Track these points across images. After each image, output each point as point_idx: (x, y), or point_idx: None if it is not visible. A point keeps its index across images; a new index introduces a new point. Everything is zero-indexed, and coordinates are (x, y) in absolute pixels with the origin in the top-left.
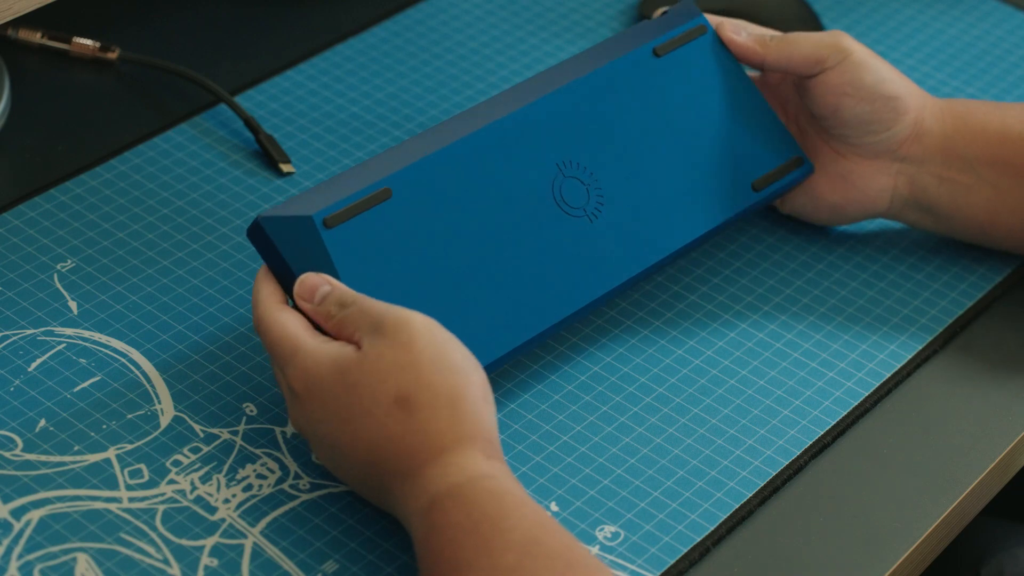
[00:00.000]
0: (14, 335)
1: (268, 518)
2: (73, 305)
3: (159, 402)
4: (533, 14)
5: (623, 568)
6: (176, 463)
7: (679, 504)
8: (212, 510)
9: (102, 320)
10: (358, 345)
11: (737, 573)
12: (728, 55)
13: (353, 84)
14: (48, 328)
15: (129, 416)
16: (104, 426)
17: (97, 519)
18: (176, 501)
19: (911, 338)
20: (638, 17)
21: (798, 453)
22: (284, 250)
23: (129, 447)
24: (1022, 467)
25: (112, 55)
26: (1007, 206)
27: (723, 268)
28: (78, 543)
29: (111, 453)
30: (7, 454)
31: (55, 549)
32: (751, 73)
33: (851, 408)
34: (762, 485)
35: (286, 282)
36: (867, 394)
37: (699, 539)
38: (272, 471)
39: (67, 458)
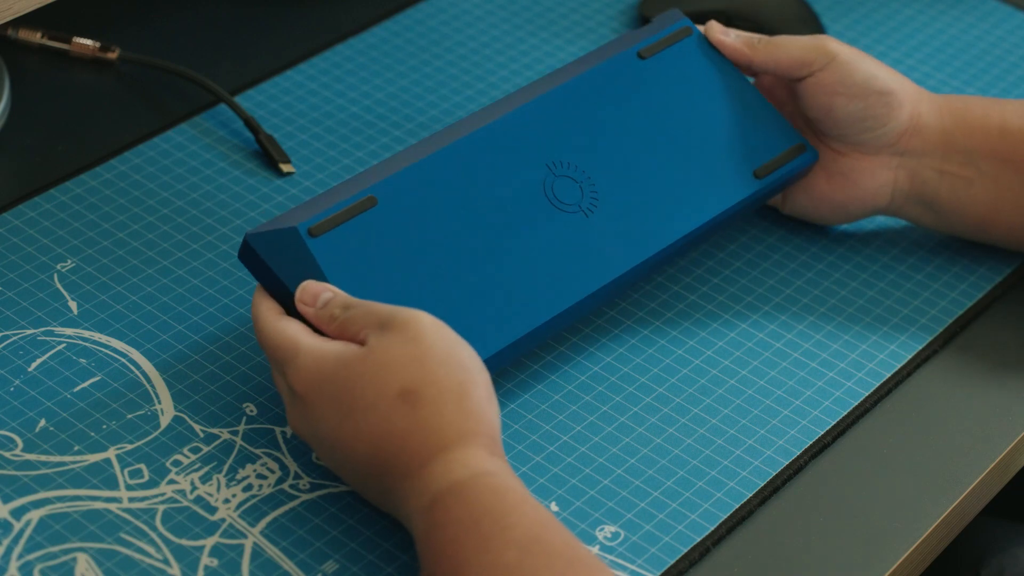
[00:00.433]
0: (14, 335)
1: (268, 518)
2: (73, 305)
3: (159, 402)
4: (533, 14)
5: (623, 568)
6: (176, 463)
7: (679, 504)
8: (212, 510)
9: (102, 320)
10: (363, 343)
11: (737, 573)
12: (718, 53)
13: (353, 84)
14: (48, 328)
15: (129, 416)
16: (104, 426)
17: (97, 519)
18: (176, 501)
19: (911, 338)
20: (638, 17)
21: (798, 453)
22: (274, 264)
23: (129, 447)
24: (1022, 467)
25: (112, 55)
26: (1008, 201)
27: (723, 268)
28: (78, 543)
29: (111, 453)
30: (7, 454)
31: (55, 549)
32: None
33: (851, 408)
34: (762, 485)
35: (281, 298)
36: (867, 394)
37: (699, 539)
38: (272, 471)
39: (67, 458)
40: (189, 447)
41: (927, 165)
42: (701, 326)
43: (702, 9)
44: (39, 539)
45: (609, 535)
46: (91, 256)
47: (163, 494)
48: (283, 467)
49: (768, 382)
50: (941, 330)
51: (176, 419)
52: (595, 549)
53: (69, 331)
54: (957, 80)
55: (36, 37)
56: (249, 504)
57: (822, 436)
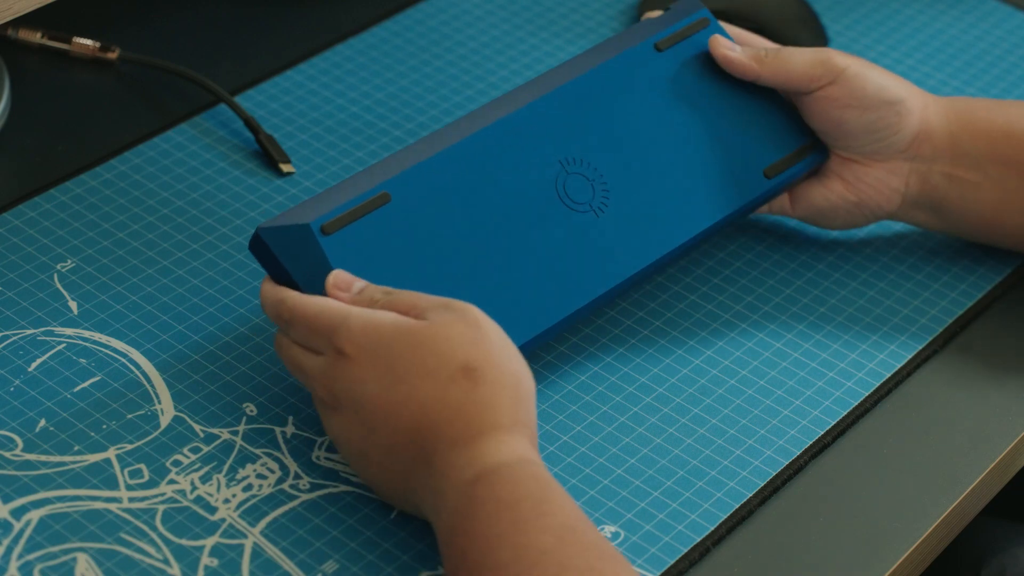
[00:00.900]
0: (14, 335)
1: (268, 518)
2: (73, 305)
3: (159, 402)
4: (533, 14)
5: None
6: (176, 463)
7: (679, 504)
8: (212, 510)
9: (102, 320)
10: (417, 318)
11: (737, 573)
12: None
13: (353, 84)
14: (48, 328)
15: (129, 416)
16: (104, 426)
17: (97, 519)
18: (176, 501)
19: (911, 338)
20: (638, 17)
21: (798, 453)
22: (285, 260)
23: (129, 447)
24: (1022, 467)
25: (112, 55)
26: (1013, 204)
27: (723, 268)
28: (78, 543)
29: (111, 453)
30: (7, 454)
31: (55, 549)
32: None
33: (851, 408)
34: (762, 485)
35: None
36: (867, 394)
37: (699, 539)
38: (272, 471)
39: (67, 458)
40: (189, 447)
41: (936, 170)
42: (701, 326)
43: None
44: (39, 539)
45: (609, 535)
46: (91, 256)
47: (163, 494)
48: (283, 467)
49: (768, 382)
50: (941, 330)
51: (176, 419)
52: None
53: (69, 331)
54: (957, 80)
55: (36, 37)
56: (249, 504)
57: (822, 436)
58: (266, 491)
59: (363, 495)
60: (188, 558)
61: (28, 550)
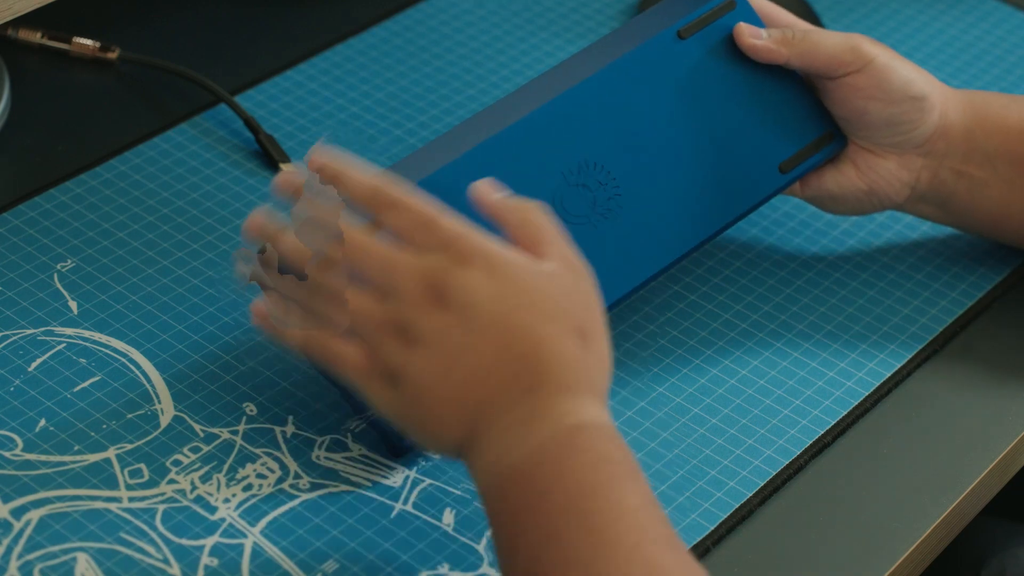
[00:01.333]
0: (14, 335)
1: (268, 518)
2: (73, 305)
3: (159, 402)
4: (533, 14)
5: None
6: (176, 463)
7: (679, 504)
8: (212, 510)
9: (102, 320)
10: (539, 256)
11: (737, 573)
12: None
13: (353, 84)
14: (48, 328)
15: (129, 416)
16: (104, 426)
17: (97, 519)
18: (176, 501)
19: (911, 338)
20: None
21: (798, 453)
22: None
23: (129, 447)
24: (1022, 467)
25: (112, 55)
26: (1020, 203)
27: (723, 268)
28: (78, 543)
29: (111, 453)
30: (7, 454)
31: (55, 549)
32: None
33: (851, 408)
34: (762, 485)
35: None
36: (867, 394)
37: (699, 539)
38: (272, 471)
39: (67, 458)
40: (189, 447)
41: (947, 166)
42: (701, 326)
43: None
44: (39, 539)
45: None
46: (91, 256)
47: (163, 494)
48: (283, 467)
49: (768, 382)
50: (941, 330)
51: (176, 419)
52: None
53: (69, 331)
54: (957, 80)
55: (36, 37)
56: (249, 504)
57: (822, 436)
58: (266, 491)
59: (363, 495)
60: (188, 558)
61: (28, 550)
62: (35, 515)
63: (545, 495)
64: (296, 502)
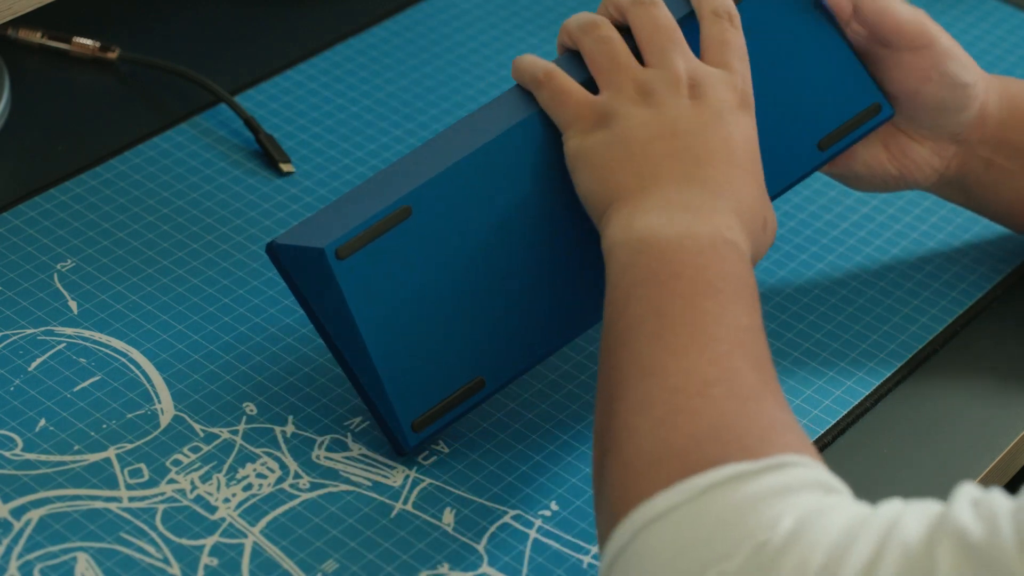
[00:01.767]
0: (14, 335)
1: (268, 517)
2: (73, 305)
3: (159, 402)
4: (533, 14)
5: None
6: (176, 463)
7: None
8: (212, 509)
9: (102, 320)
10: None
11: None
12: None
13: (353, 84)
14: (48, 328)
15: (129, 416)
16: (104, 426)
17: (97, 518)
18: (176, 500)
19: (911, 338)
20: None
21: None
22: (298, 279)
23: (129, 447)
24: (1022, 467)
25: (112, 55)
26: None
27: None
28: (78, 542)
29: (111, 453)
30: (7, 454)
31: (55, 548)
32: None
33: (851, 408)
34: None
35: (306, 306)
36: (867, 394)
37: None
38: (272, 470)
39: (67, 458)
40: (189, 446)
41: (978, 154)
42: None
43: None
44: (39, 538)
45: None
46: (91, 256)
47: (163, 493)
48: (283, 466)
49: None
50: (941, 330)
51: (176, 419)
52: (595, 549)
53: (69, 331)
54: None
55: (36, 37)
56: (249, 503)
57: (821, 436)
58: (266, 490)
59: (363, 495)
60: (188, 557)
61: (28, 549)
62: (35, 515)
63: (673, 278)
64: (296, 502)
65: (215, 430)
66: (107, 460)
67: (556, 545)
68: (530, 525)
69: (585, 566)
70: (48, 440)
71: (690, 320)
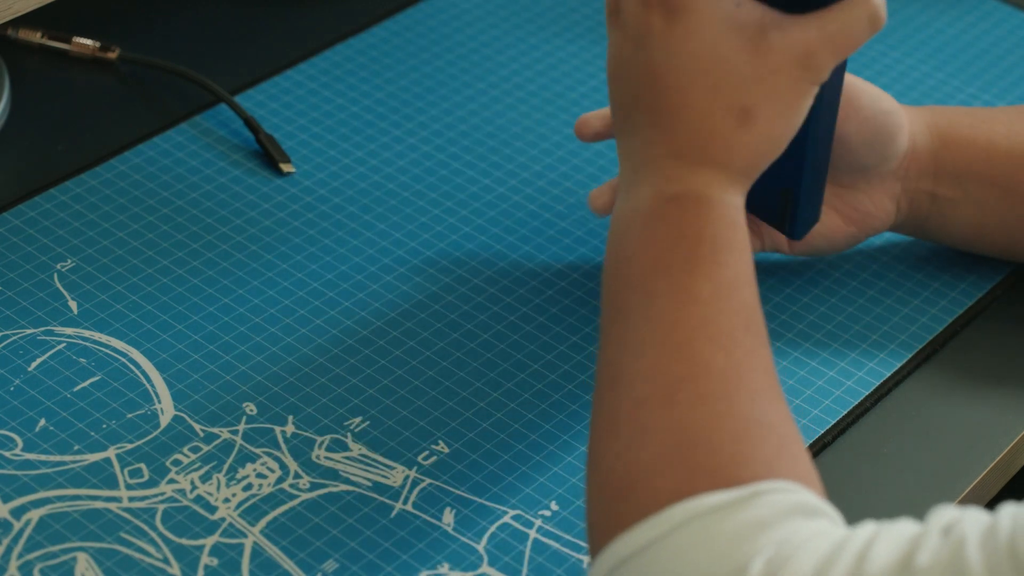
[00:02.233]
0: (14, 335)
1: (268, 517)
2: (73, 305)
3: (159, 401)
4: (533, 14)
5: None
6: (176, 462)
7: None
8: (212, 509)
9: (102, 320)
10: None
11: None
12: None
13: (353, 84)
14: (48, 328)
15: (129, 416)
16: (104, 426)
17: (97, 518)
18: (176, 500)
19: (911, 338)
20: None
21: None
22: None
23: (129, 446)
24: (1022, 467)
25: (112, 55)
26: (992, 221)
27: None
28: (78, 542)
29: (111, 452)
30: (7, 454)
31: (55, 548)
32: None
33: (851, 408)
34: None
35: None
36: (867, 394)
37: None
38: (272, 470)
39: (67, 457)
40: (189, 446)
41: (921, 189)
42: None
43: None
44: (39, 538)
45: None
46: (91, 256)
47: (163, 493)
48: (283, 466)
49: None
50: (941, 330)
51: (176, 419)
52: None
53: (69, 331)
54: (957, 80)
55: (36, 37)
56: (249, 503)
57: (822, 435)
58: (266, 490)
59: (363, 495)
60: (188, 557)
61: (28, 549)
62: (35, 515)
63: (624, 264)
64: (296, 502)
65: (215, 430)
66: (107, 460)
67: (556, 545)
68: (530, 525)
69: (585, 566)
70: (48, 440)
71: (645, 311)
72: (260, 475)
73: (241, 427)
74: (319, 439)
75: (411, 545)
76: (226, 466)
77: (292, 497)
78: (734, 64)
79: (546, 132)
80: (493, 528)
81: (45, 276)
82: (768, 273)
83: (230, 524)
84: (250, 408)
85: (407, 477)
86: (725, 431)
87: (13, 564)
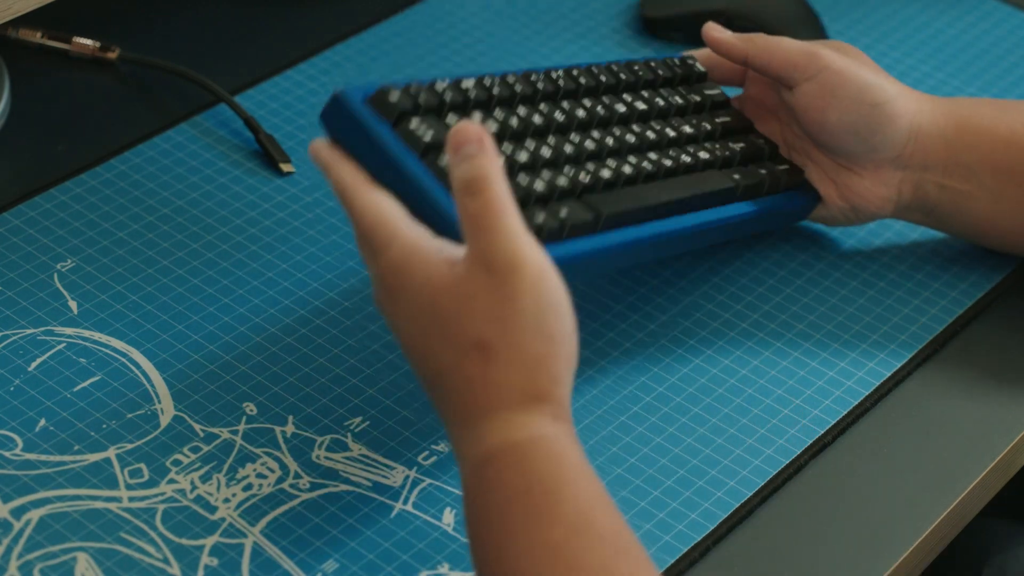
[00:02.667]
0: (14, 335)
1: (268, 517)
2: (73, 305)
3: (159, 402)
4: (533, 14)
5: None
6: (176, 462)
7: (679, 503)
8: (212, 509)
9: (102, 320)
10: (461, 260)
11: (737, 573)
12: None
13: None
14: (48, 328)
15: (129, 416)
16: (104, 426)
17: (97, 518)
18: (176, 500)
19: (911, 338)
20: (638, 17)
21: (798, 452)
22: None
23: (129, 446)
24: (1022, 467)
25: (112, 55)
26: (1006, 212)
27: (723, 268)
28: (78, 542)
29: (111, 452)
30: (7, 454)
31: (55, 549)
32: (736, 95)
33: (851, 408)
34: (762, 484)
35: (367, 164)
36: (867, 393)
37: (699, 539)
38: (272, 470)
39: (67, 458)
40: (189, 446)
41: (929, 179)
42: (701, 325)
43: (702, 9)
44: (39, 538)
45: None
46: (91, 256)
47: (163, 493)
48: (283, 466)
49: (768, 381)
50: (941, 330)
51: (176, 419)
52: None
53: (69, 331)
54: (957, 80)
55: (36, 37)
56: (249, 503)
57: (822, 435)
58: (266, 490)
59: (363, 495)
60: (188, 557)
61: (28, 549)
62: (35, 515)
63: (480, 538)
64: (296, 502)
65: (215, 430)
66: (107, 460)
67: None
68: None
69: None
70: (48, 440)
71: (497, 568)
72: (260, 475)
73: (241, 427)
74: (319, 439)
75: (411, 545)
76: (226, 466)
77: (292, 497)
78: (454, 309)
79: None
80: None
81: (45, 276)
82: (768, 273)
83: (230, 524)
84: (250, 408)
85: (407, 477)
86: None
87: (13, 564)
